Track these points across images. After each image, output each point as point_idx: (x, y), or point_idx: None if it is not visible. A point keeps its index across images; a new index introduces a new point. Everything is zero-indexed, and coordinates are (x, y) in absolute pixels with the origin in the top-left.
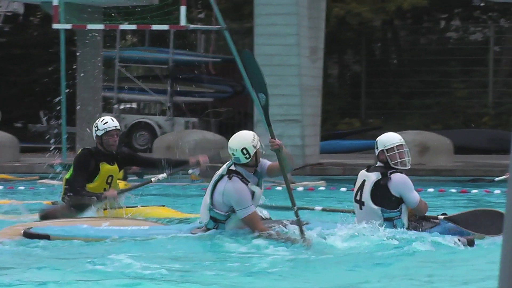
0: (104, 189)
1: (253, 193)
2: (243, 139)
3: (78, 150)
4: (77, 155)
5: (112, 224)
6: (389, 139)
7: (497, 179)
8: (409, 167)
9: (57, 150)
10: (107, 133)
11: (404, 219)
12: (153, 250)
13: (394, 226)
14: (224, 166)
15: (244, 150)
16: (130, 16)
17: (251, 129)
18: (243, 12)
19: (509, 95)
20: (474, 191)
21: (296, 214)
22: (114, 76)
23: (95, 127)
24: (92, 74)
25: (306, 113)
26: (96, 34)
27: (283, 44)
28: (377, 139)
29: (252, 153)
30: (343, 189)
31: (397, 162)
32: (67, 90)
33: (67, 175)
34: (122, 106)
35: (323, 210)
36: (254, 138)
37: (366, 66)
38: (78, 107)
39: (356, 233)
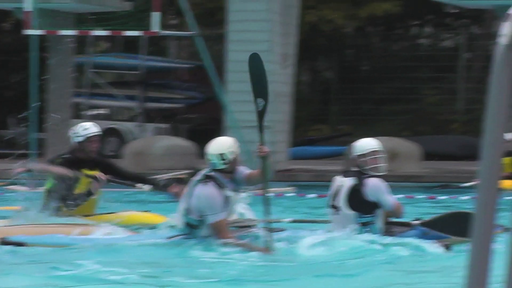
0: (87, 195)
1: (227, 199)
2: (221, 144)
3: (48, 156)
4: (61, 164)
5: (85, 232)
6: (365, 144)
7: (465, 185)
8: (384, 173)
9: (26, 156)
10: (88, 139)
11: (380, 224)
12: (122, 256)
13: (369, 231)
14: (202, 172)
15: (221, 156)
16: (102, 22)
17: (222, 136)
18: (216, 18)
19: (479, 102)
20: (442, 197)
21: (268, 224)
22: (86, 82)
23: (75, 133)
24: (63, 80)
25: (277, 119)
26: (68, 40)
27: (255, 50)
28: (353, 144)
29: (229, 159)
30: (313, 195)
31: (371, 168)
32: (38, 96)
33: (48, 185)
34: (93, 112)
35: (294, 221)
36: (232, 144)
37: (338, 72)
38: (48, 113)
39: (330, 240)
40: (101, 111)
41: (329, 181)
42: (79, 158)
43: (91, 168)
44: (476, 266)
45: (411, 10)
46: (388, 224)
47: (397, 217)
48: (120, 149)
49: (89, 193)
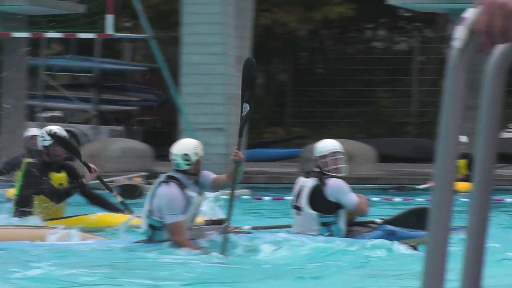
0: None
1: (190, 200)
2: (186, 145)
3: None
4: (27, 170)
5: (59, 237)
6: (324, 145)
7: (420, 187)
8: (345, 174)
9: None
10: (55, 143)
11: (342, 224)
12: (79, 260)
13: (331, 232)
14: (165, 174)
15: (185, 156)
16: (56, 25)
17: (177, 138)
18: (170, 21)
19: (432, 105)
20: (397, 199)
21: (226, 227)
22: (40, 84)
23: (42, 137)
24: (16, 82)
25: (231, 122)
26: (22, 42)
27: (209, 53)
28: (315, 145)
29: (193, 160)
30: (268, 198)
31: (331, 168)
32: None
33: (15, 191)
34: (47, 115)
35: (254, 228)
36: (197, 146)
37: (292, 75)
38: (2, 115)
39: (291, 243)
40: (56, 114)
41: (284, 183)
42: (46, 161)
43: (58, 172)
44: (432, 268)
45: (365, 14)
46: (352, 224)
47: (363, 216)
48: None
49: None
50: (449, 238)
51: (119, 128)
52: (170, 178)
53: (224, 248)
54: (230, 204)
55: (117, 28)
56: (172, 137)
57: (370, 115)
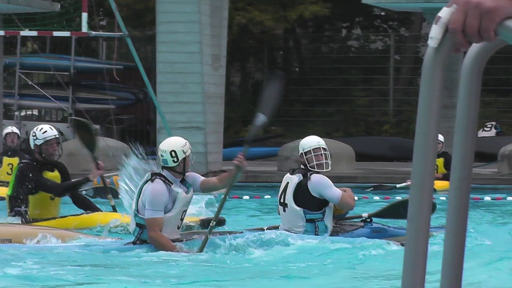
0: (51, 198)
1: (176, 197)
2: (174, 142)
3: None
4: (21, 170)
5: (47, 236)
6: (307, 142)
7: (398, 185)
8: (328, 169)
9: None
10: (47, 142)
11: (327, 221)
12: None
13: (316, 227)
14: (149, 172)
15: (172, 153)
16: (31, 23)
17: (154, 136)
18: (145, 19)
19: (409, 103)
20: (376, 197)
21: (210, 229)
22: (15, 82)
23: (33, 136)
24: None
25: (209, 121)
26: None
27: (185, 51)
28: (300, 142)
29: (180, 158)
30: (246, 196)
31: (314, 164)
32: None
33: (8, 192)
34: (23, 113)
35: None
36: (185, 144)
37: (268, 74)
38: None
39: (278, 242)
40: (32, 112)
41: (262, 182)
42: (38, 160)
43: (51, 171)
44: (411, 268)
45: (340, 12)
46: (340, 219)
47: (349, 209)
48: None
49: (52, 196)
50: (428, 237)
51: (95, 126)
52: (155, 175)
53: (202, 246)
54: (220, 206)
55: (92, 27)
56: (149, 135)
57: (347, 114)
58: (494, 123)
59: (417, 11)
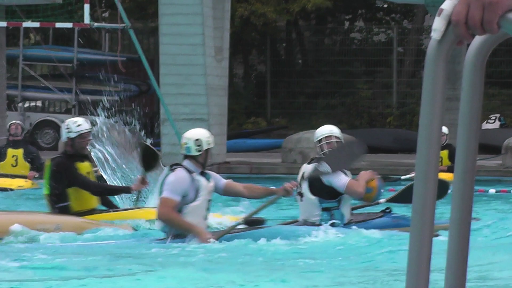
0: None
1: (197, 185)
2: (200, 132)
3: None
4: (54, 166)
5: (66, 228)
6: (320, 131)
7: (403, 177)
8: None
9: None
10: (81, 135)
11: (344, 210)
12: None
13: (332, 216)
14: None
15: (197, 141)
16: (33, 14)
17: (158, 129)
18: (148, 11)
19: (412, 96)
20: (381, 190)
21: (235, 226)
22: (18, 74)
23: (67, 128)
24: None
25: (213, 113)
26: None
27: (188, 43)
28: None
29: (204, 147)
30: None
31: (326, 152)
32: None
33: (45, 191)
34: (26, 104)
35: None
36: (210, 137)
37: (271, 66)
38: None
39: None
40: (35, 103)
41: (266, 173)
42: (69, 153)
43: (82, 161)
44: (416, 261)
45: (342, 5)
46: (357, 208)
47: (358, 198)
48: (55, 141)
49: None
50: (433, 229)
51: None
52: (175, 165)
53: (220, 235)
54: (257, 210)
55: (95, 18)
56: (152, 127)
57: (350, 106)
58: (498, 115)
59: (420, 4)
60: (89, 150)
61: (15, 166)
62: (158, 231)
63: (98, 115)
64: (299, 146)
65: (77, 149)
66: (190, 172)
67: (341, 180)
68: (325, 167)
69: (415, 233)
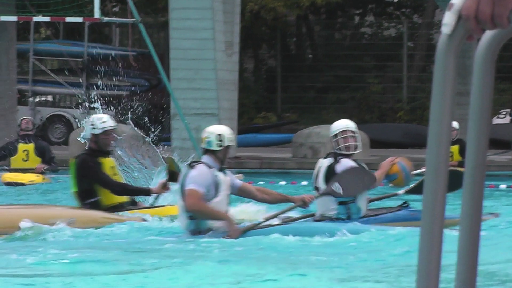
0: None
1: (217, 181)
2: (222, 128)
3: None
4: (79, 164)
5: (81, 222)
6: (335, 125)
7: (413, 172)
8: (357, 151)
9: None
10: (105, 132)
11: (360, 204)
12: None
13: (349, 210)
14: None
15: (219, 136)
16: (43, 8)
17: (168, 123)
18: (158, 5)
19: (422, 90)
20: (390, 184)
21: (258, 224)
22: (29, 69)
23: (92, 124)
24: (6, 67)
25: (223, 107)
26: (10, 27)
27: (198, 38)
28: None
29: (225, 144)
30: (261, 182)
31: (342, 147)
32: None
33: (73, 189)
34: (37, 99)
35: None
36: (232, 134)
37: (281, 60)
38: None
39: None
40: (46, 98)
41: (276, 168)
42: (93, 150)
43: (106, 156)
44: (426, 255)
45: None
46: (374, 200)
47: (373, 187)
48: (65, 135)
49: None
50: (443, 223)
51: (109, 112)
52: (194, 162)
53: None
54: (277, 214)
55: (105, 13)
56: (164, 122)
57: (361, 100)
58: (508, 110)
59: None
60: (113, 146)
61: (26, 160)
62: (176, 227)
63: (110, 110)
64: (309, 140)
65: (101, 146)
66: (210, 167)
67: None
68: (337, 187)
69: (426, 227)
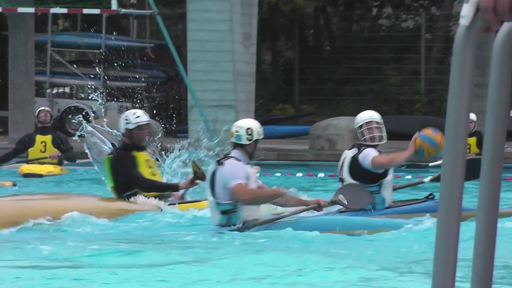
0: (152, 174)
1: (248, 174)
2: (252, 122)
3: (11, 134)
4: (113, 159)
5: (100, 214)
6: (360, 116)
7: (431, 164)
8: (382, 142)
9: None
10: (139, 127)
11: (385, 194)
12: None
13: (374, 202)
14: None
15: (249, 130)
16: (61, 0)
17: (185, 115)
18: None
19: (440, 82)
20: (408, 176)
21: (275, 219)
22: (47, 60)
23: (126, 119)
24: (24, 58)
25: (240, 99)
26: (28, 18)
27: (216, 30)
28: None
29: (254, 138)
30: (278, 174)
31: (368, 138)
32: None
33: (110, 184)
34: (54, 91)
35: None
36: (261, 128)
37: (299, 52)
38: (10, 91)
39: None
40: (64, 90)
41: (294, 160)
42: (127, 145)
43: (140, 150)
44: (443, 248)
45: None
46: (400, 188)
47: (383, 168)
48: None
49: (153, 172)
50: (460, 214)
51: (127, 104)
52: (224, 158)
53: (256, 224)
54: (297, 212)
55: (123, 5)
56: (181, 113)
57: (378, 92)
58: None
59: None
60: (147, 140)
61: (44, 152)
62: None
63: (127, 101)
64: (327, 132)
65: (135, 141)
66: (239, 161)
67: (366, 159)
68: (342, 198)
69: (443, 219)
